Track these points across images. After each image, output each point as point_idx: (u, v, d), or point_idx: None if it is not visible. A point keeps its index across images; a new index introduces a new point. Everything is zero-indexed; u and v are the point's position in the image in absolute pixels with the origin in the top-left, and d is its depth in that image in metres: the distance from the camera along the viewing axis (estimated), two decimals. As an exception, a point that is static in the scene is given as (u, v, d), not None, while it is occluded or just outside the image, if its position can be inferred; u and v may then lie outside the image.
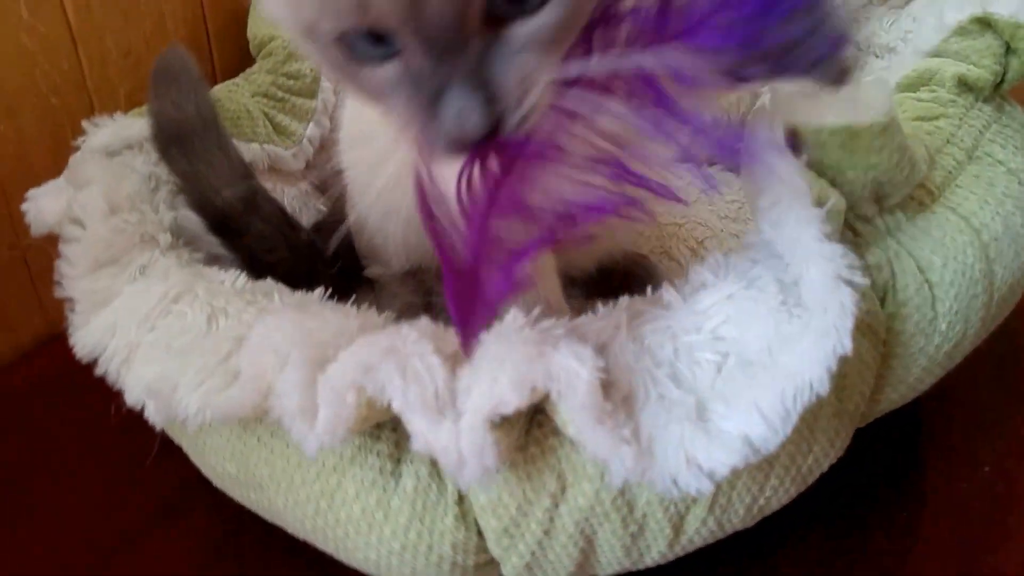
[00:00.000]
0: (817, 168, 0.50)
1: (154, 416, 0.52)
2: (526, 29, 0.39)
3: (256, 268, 0.64)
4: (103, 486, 0.70)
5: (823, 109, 0.49)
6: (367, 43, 0.40)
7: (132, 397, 0.53)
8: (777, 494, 0.51)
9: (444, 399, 0.43)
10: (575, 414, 0.42)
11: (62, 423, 0.76)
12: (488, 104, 0.38)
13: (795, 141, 0.50)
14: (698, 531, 0.50)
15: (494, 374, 0.42)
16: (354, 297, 0.57)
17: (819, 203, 0.46)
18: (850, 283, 0.44)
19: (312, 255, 0.72)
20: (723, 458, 0.43)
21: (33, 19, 0.77)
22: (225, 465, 0.55)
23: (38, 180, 0.69)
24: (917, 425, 0.70)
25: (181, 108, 0.66)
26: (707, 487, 0.43)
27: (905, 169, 0.50)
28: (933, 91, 0.66)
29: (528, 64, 0.39)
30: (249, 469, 0.53)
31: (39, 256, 0.81)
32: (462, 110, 0.38)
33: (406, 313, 0.71)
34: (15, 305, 0.83)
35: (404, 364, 0.43)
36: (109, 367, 0.56)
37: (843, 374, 0.49)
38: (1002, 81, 0.66)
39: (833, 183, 0.50)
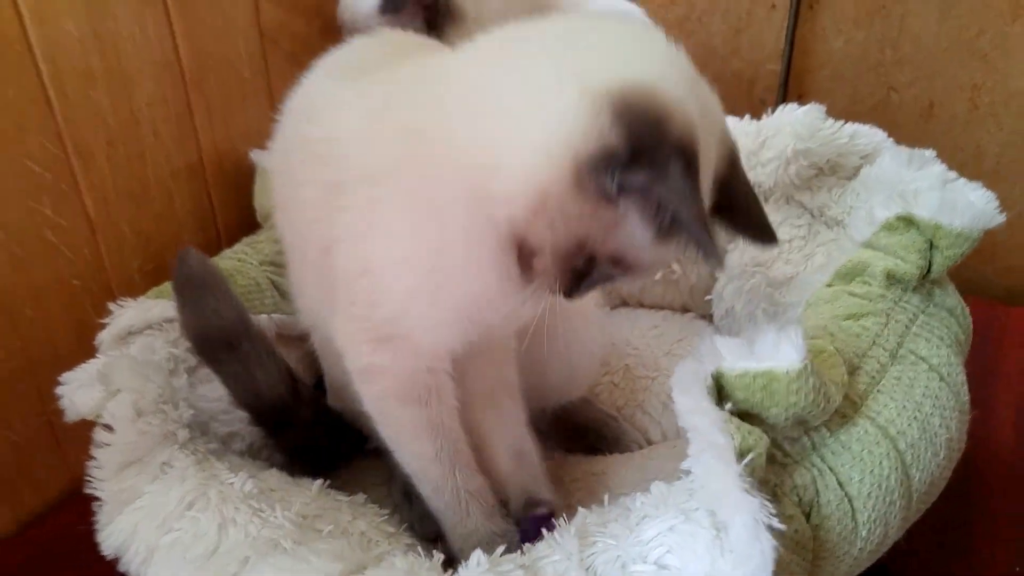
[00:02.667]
0: (744, 407, 0.54)
1: None
2: None
3: (292, 452, 0.71)
4: None
5: (746, 357, 0.54)
6: None
7: None
8: None
9: None
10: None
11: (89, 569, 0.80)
12: None
13: (721, 384, 0.55)
14: None
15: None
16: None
17: (742, 453, 0.50)
18: (771, 528, 0.48)
19: (343, 430, 0.77)
20: None
21: (56, 216, 0.83)
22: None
23: (63, 357, 0.74)
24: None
25: (221, 315, 0.70)
26: None
27: (821, 404, 0.54)
28: (866, 283, 0.70)
29: None
30: None
31: (62, 420, 0.87)
32: None
33: (410, 483, 0.77)
34: (41, 464, 0.88)
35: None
36: (131, 567, 0.60)
37: (776, 585, 0.54)
38: (929, 271, 0.70)
39: (758, 419, 0.54)
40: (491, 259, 0.56)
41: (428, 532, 0.75)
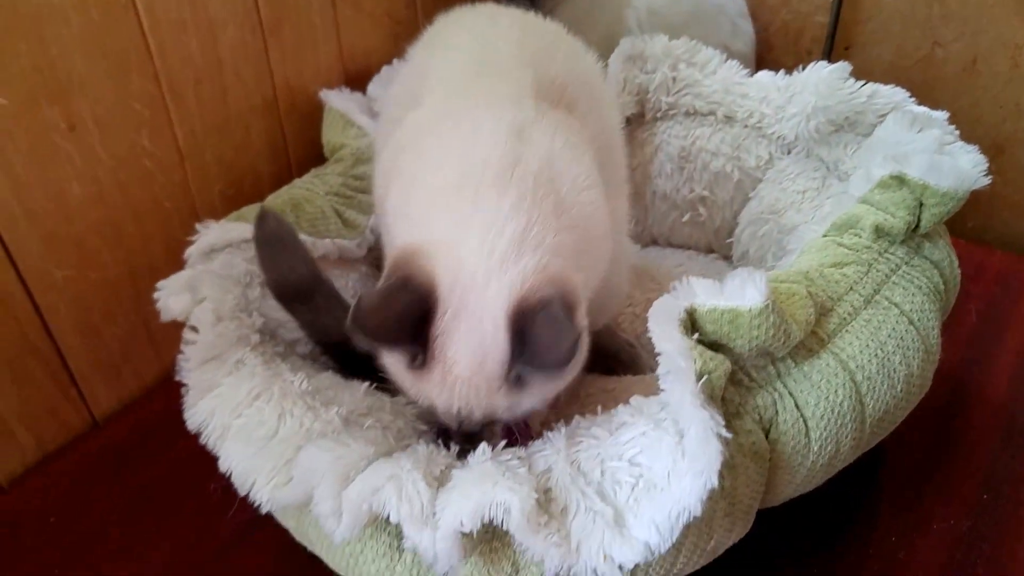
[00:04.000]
0: (712, 338, 0.62)
1: (237, 488, 0.68)
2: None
3: (351, 371, 0.81)
4: (197, 510, 0.86)
5: (716, 296, 0.62)
6: None
7: (223, 466, 0.69)
8: (687, 566, 0.63)
9: (427, 514, 0.58)
10: (515, 531, 0.57)
11: (176, 445, 0.88)
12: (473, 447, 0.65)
13: (693, 318, 0.63)
14: None
15: (459, 503, 0.57)
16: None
17: (700, 375, 0.59)
18: (720, 436, 0.57)
19: None
20: (631, 556, 0.57)
21: (153, 147, 0.94)
22: (288, 520, 0.71)
23: (157, 265, 0.87)
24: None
25: (296, 271, 0.79)
26: (619, 575, 0.58)
27: (781, 338, 0.62)
28: (856, 235, 0.76)
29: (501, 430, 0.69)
30: (303, 528, 0.69)
31: (155, 318, 0.98)
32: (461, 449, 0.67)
33: None
34: (138, 356, 1.02)
35: (400, 487, 0.59)
36: (209, 440, 0.72)
37: (734, 487, 0.62)
38: (918, 226, 0.76)
39: (724, 348, 0.63)
40: None
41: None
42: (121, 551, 0.84)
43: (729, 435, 0.57)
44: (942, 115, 0.85)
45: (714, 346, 0.63)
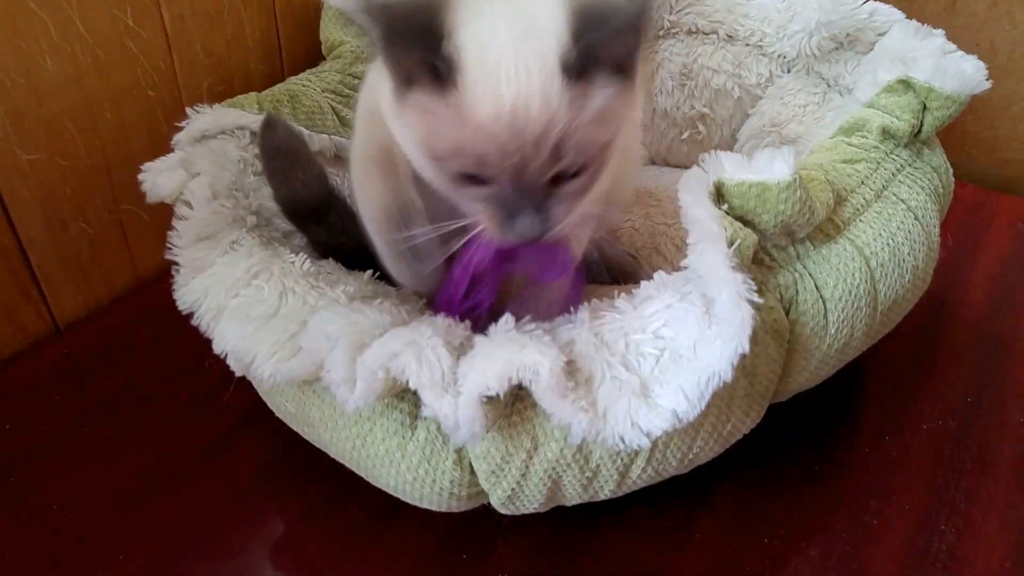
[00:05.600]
0: (738, 212, 0.60)
1: (234, 367, 0.64)
2: (568, 188, 0.56)
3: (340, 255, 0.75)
4: (187, 407, 0.81)
5: (744, 169, 0.60)
6: (475, 178, 0.55)
7: (218, 348, 0.65)
8: (704, 451, 0.62)
9: (448, 380, 0.54)
10: (543, 394, 0.54)
11: (149, 355, 0.87)
12: (543, 224, 0.56)
13: (721, 192, 0.61)
14: (640, 476, 0.61)
15: (484, 366, 0.54)
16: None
17: (731, 242, 0.56)
18: (750, 302, 0.55)
19: None
20: (658, 423, 0.54)
21: (137, 27, 0.87)
22: (286, 405, 0.67)
23: (136, 158, 0.77)
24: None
25: (310, 187, 0.71)
26: (646, 443, 0.54)
27: (806, 215, 0.60)
28: (864, 137, 0.75)
29: (566, 206, 0.56)
30: (304, 410, 0.65)
31: (131, 218, 0.93)
32: (529, 225, 0.55)
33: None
34: (110, 259, 0.95)
35: (420, 353, 0.55)
36: (202, 322, 0.67)
37: (754, 365, 0.60)
38: (920, 131, 0.75)
39: (751, 224, 0.60)
40: None
41: None
42: (91, 456, 0.77)
43: (760, 301, 0.55)
44: (940, 31, 0.84)
45: (739, 221, 0.61)
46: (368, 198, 0.69)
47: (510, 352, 0.54)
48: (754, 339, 0.59)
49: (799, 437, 0.76)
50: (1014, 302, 0.96)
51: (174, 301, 0.68)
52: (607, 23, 0.51)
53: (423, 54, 0.51)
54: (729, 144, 1.03)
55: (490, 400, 0.54)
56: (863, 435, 0.78)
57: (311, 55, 1.03)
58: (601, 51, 0.52)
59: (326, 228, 0.75)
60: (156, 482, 0.74)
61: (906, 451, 0.76)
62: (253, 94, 0.88)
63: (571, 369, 0.57)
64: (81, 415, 0.81)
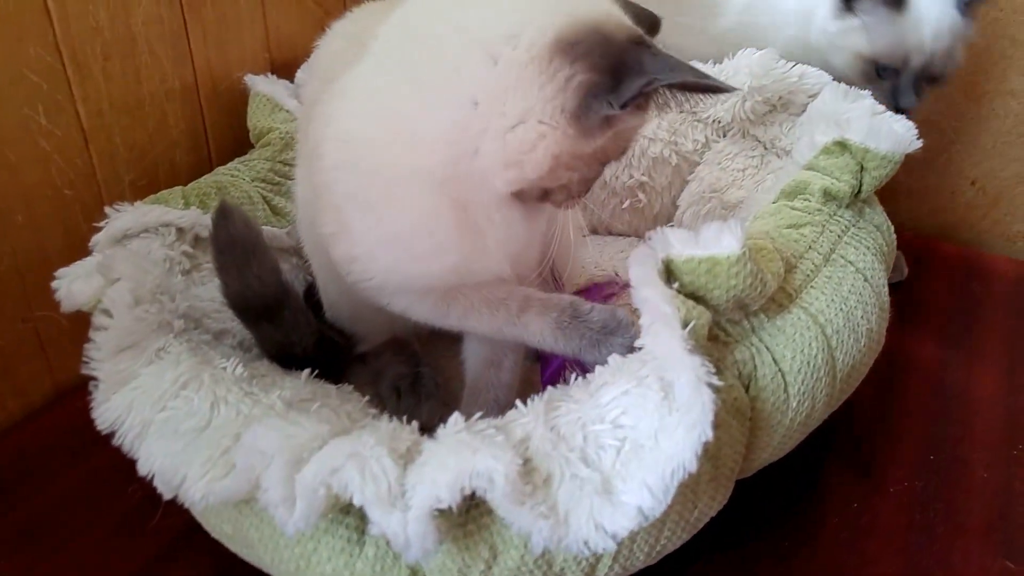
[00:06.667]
0: (689, 288, 0.57)
1: (162, 490, 0.58)
2: None
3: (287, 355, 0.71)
4: (113, 530, 0.74)
5: (692, 245, 0.58)
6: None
7: (144, 468, 0.59)
8: (671, 540, 0.58)
9: (395, 494, 0.49)
10: (499, 502, 0.49)
11: (69, 475, 0.80)
12: None
13: (671, 268, 0.58)
14: (607, 575, 0.57)
15: (434, 475, 0.49)
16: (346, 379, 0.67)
17: (685, 323, 0.54)
18: (711, 385, 0.52)
19: (335, 347, 0.78)
20: (623, 523, 0.50)
21: (50, 125, 0.82)
22: (223, 525, 0.61)
23: (51, 262, 0.73)
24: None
25: (265, 282, 0.67)
26: (612, 546, 0.50)
27: (758, 287, 0.58)
28: (806, 200, 0.74)
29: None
30: (242, 531, 0.59)
31: (47, 326, 0.86)
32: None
33: (400, 381, 0.79)
34: (25, 370, 0.87)
35: (363, 465, 0.50)
36: (125, 440, 0.61)
37: (718, 448, 0.57)
38: (859, 191, 0.75)
39: (702, 300, 0.58)
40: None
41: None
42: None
43: (720, 383, 0.52)
44: (867, 92, 0.85)
45: (691, 298, 0.58)
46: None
47: (461, 459, 0.50)
48: (716, 421, 0.56)
49: (767, 511, 0.73)
50: (965, 350, 0.96)
51: (98, 414, 0.63)
52: None
53: None
54: (670, 211, 1.02)
55: (442, 512, 0.50)
56: (830, 505, 0.74)
57: (239, 143, 0.99)
58: None
59: (277, 326, 0.71)
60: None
61: (875, 518, 0.73)
62: (178, 188, 0.83)
63: (528, 469, 0.53)
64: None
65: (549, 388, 0.59)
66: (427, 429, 0.75)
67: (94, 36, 0.84)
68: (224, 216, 0.66)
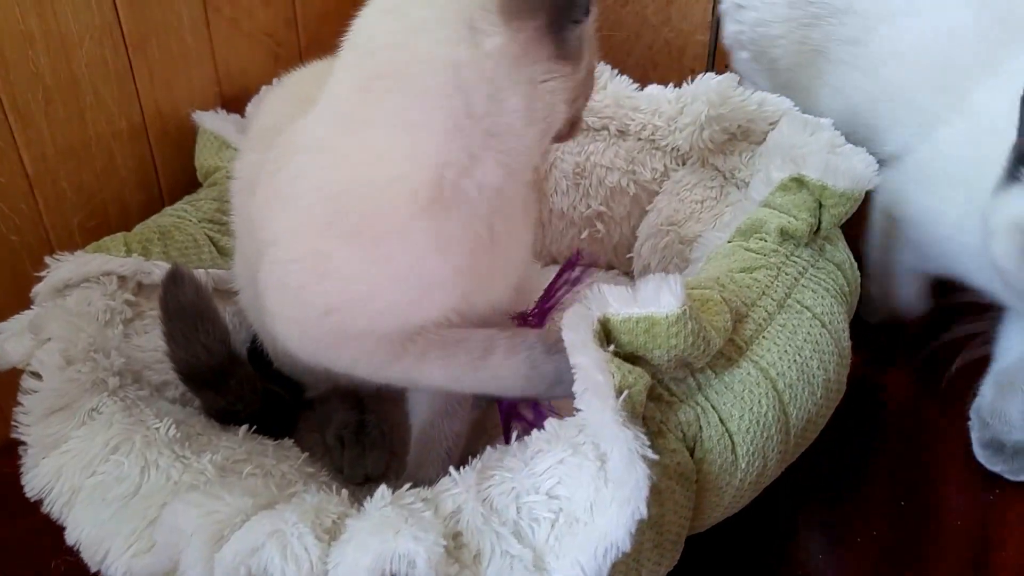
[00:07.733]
0: (628, 349, 0.55)
1: (88, 562, 0.57)
2: None
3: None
4: None
5: (630, 303, 0.55)
6: None
7: (71, 538, 0.58)
8: None
9: (317, 574, 0.48)
10: (422, 584, 0.47)
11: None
12: None
13: (607, 328, 0.55)
14: None
15: (355, 557, 0.47)
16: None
17: (620, 391, 0.51)
18: (646, 459, 0.49)
19: (280, 403, 0.76)
20: None
21: (-8, 173, 0.81)
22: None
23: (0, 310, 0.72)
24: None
25: (212, 352, 0.66)
26: None
27: (701, 346, 0.55)
28: (762, 239, 0.71)
29: None
30: None
31: None
32: None
33: (343, 430, 0.77)
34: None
35: (284, 545, 0.48)
36: (53, 508, 0.60)
37: (661, 515, 0.54)
38: (819, 228, 0.72)
39: (643, 360, 0.56)
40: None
41: (356, 476, 0.75)
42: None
43: (655, 456, 0.49)
44: (828, 121, 0.82)
45: (631, 358, 0.55)
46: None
47: (383, 539, 0.48)
48: (658, 487, 0.54)
49: (724, 566, 0.70)
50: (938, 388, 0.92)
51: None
52: None
53: None
54: (629, 242, 0.99)
55: (366, 592, 0.47)
56: (797, 557, 0.71)
57: (192, 180, 0.96)
58: None
59: (223, 394, 0.69)
60: None
61: (844, 571, 0.70)
62: (120, 235, 0.81)
63: (457, 545, 0.51)
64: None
65: (488, 451, 0.57)
66: (373, 479, 0.74)
67: (34, 82, 0.81)
68: (174, 282, 0.65)
